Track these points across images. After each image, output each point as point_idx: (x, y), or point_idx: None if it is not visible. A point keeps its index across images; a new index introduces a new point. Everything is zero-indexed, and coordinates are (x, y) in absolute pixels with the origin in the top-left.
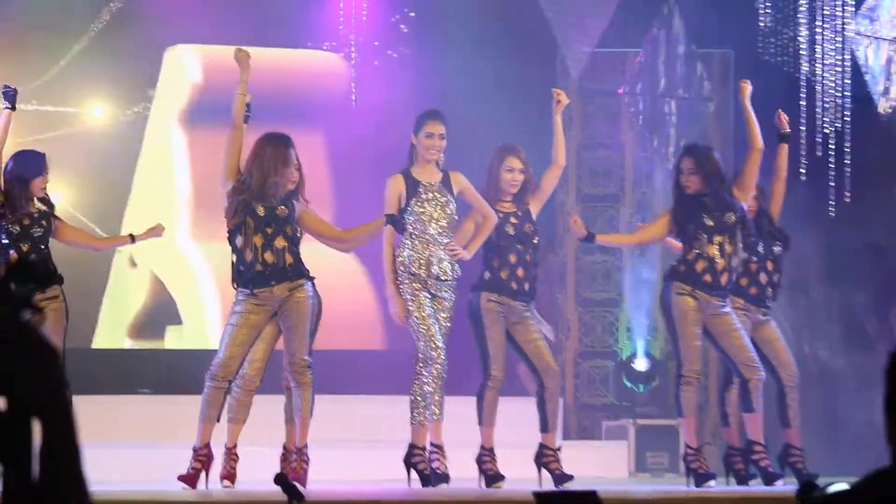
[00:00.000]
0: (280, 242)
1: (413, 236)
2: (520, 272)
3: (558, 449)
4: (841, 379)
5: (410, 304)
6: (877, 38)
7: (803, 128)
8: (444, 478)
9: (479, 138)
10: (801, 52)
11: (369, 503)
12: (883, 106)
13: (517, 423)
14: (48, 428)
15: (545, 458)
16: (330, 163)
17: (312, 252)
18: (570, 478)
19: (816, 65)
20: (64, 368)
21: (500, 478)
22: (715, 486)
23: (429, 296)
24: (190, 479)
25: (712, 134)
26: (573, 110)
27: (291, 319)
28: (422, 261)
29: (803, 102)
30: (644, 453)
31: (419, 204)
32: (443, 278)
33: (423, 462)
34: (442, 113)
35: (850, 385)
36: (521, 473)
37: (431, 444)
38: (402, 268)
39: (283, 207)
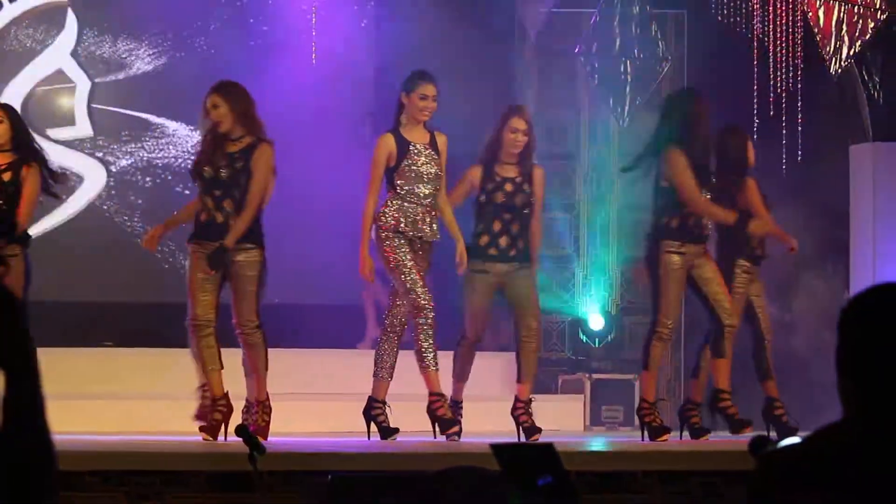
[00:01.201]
0: (228, 205)
1: (400, 195)
2: (503, 241)
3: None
4: (793, 335)
5: (392, 260)
6: None
7: (756, 87)
8: (452, 423)
9: (438, 99)
10: (753, 12)
11: (329, 455)
12: (834, 66)
13: (484, 378)
14: (12, 380)
15: (517, 409)
16: (293, 119)
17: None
18: (539, 430)
19: (769, 25)
20: (27, 320)
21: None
22: (669, 440)
23: (411, 252)
24: (212, 430)
25: (666, 94)
26: (531, 69)
27: (238, 282)
28: (408, 220)
29: (756, 62)
30: (599, 407)
31: (409, 163)
32: (426, 239)
33: (382, 415)
34: (433, 74)
35: (802, 341)
36: (481, 427)
37: (432, 393)
38: (386, 225)
39: (229, 169)
